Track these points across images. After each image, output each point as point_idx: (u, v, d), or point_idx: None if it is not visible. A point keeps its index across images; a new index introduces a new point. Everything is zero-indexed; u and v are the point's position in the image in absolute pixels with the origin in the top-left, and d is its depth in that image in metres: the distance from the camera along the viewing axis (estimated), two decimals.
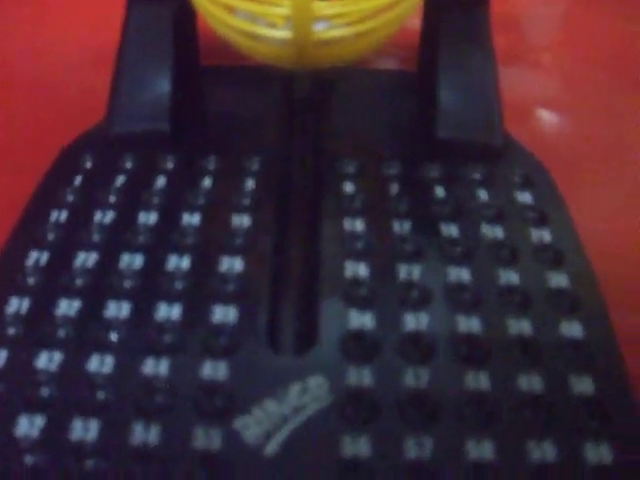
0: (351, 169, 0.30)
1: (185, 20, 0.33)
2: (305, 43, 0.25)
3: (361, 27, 0.26)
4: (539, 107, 0.39)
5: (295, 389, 0.22)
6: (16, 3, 0.47)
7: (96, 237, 0.27)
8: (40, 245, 0.26)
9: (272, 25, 0.27)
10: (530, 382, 0.22)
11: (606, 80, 0.41)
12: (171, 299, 0.24)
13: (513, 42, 0.43)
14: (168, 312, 0.24)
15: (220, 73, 0.36)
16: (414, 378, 0.22)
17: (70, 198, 0.28)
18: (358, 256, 0.26)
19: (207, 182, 0.29)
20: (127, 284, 0.25)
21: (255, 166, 0.30)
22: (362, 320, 0.24)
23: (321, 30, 0.26)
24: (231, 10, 0.27)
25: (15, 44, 0.43)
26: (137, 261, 0.26)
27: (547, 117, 0.39)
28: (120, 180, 0.29)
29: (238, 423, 0.21)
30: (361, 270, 0.26)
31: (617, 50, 0.43)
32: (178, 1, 0.31)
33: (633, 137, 0.37)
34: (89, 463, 0.20)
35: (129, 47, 0.32)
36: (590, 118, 0.38)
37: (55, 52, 0.42)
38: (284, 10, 0.25)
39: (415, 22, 0.35)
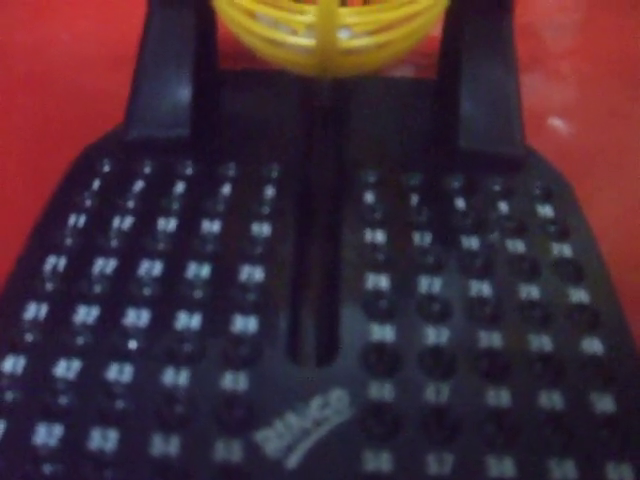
0: (372, 179, 0.30)
1: (206, 24, 0.33)
2: (328, 51, 0.25)
3: (384, 37, 0.26)
4: (557, 116, 0.39)
5: (316, 402, 0.22)
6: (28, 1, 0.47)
7: (114, 243, 0.26)
8: (58, 250, 0.26)
9: (294, 32, 0.26)
10: (551, 399, 0.22)
11: (625, 88, 0.41)
12: (191, 308, 0.24)
13: (531, 50, 0.43)
14: (188, 321, 0.24)
15: (239, 78, 0.36)
16: (435, 393, 0.22)
17: (88, 203, 0.28)
18: (379, 267, 0.26)
19: (226, 189, 0.29)
20: (146, 291, 0.25)
21: (275, 174, 0.30)
22: (383, 333, 0.24)
23: (344, 39, 0.26)
24: (253, 16, 0.26)
25: (28, 44, 0.43)
26: (156, 268, 0.26)
27: (565, 126, 0.38)
28: (139, 185, 0.29)
29: (259, 436, 0.21)
30: (382, 282, 0.25)
31: (637, 58, 0.43)
32: (199, 5, 0.31)
33: None
34: (107, 473, 0.20)
35: (149, 51, 0.32)
36: (608, 126, 0.38)
37: (70, 52, 0.42)
38: (308, 17, 0.25)
39: (433, 29, 0.35)
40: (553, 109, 0.39)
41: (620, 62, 0.43)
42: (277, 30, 0.26)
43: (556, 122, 0.38)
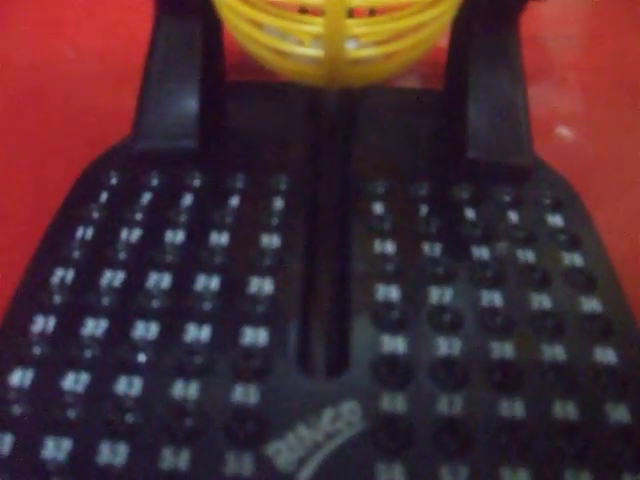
0: (380, 189, 0.30)
1: (212, 35, 0.33)
2: (336, 62, 0.25)
3: (392, 47, 0.26)
4: (564, 126, 0.39)
5: (328, 414, 0.21)
6: (33, 15, 0.47)
7: (122, 255, 0.26)
8: (66, 263, 0.26)
9: (301, 43, 0.26)
10: (565, 409, 0.22)
11: (630, 99, 0.41)
12: (200, 320, 0.24)
13: (538, 61, 0.43)
14: (197, 333, 0.24)
15: (246, 89, 0.36)
16: (448, 405, 0.22)
17: (96, 215, 0.28)
18: (389, 278, 0.26)
19: (235, 201, 0.29)
20: (155, 304, 0.25)
21: (283, 185, 0.30)
22: (394, 344, 0.24)
23: (352, 49, 0.26)
24: (260, 26, 0.26)
25: (33, 60, 0.43)
26: (165, 281, 0.25)
27: (572, 136, 0.38)
28: (146, 197, 0.29)
29: (270, 449, 0.21)
30: (392, 293, 0.25)
31: None
32: (206, 17, 0.31)
33: None
34: None
35: (156, 62, 0.32)
36: (615, 137, 0.38)
37: (75, 68, 0.42)
38: (316, 28, 0.25)
39: (440, 40, 0.35)
40: (560, 119, 0.39)
41: (624, 73, 0.43)
42: (284, 41, 0.26)
43: (563, 131, 0.38)
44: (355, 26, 0.25)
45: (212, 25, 0.31)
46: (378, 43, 0.26)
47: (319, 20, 0.24)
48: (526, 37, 0.33)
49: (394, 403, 0.22)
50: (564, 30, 0.48)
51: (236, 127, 0.34)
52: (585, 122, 0.40)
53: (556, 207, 0.29)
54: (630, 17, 0.49)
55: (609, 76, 0.43)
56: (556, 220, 0.29)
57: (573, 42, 0.47)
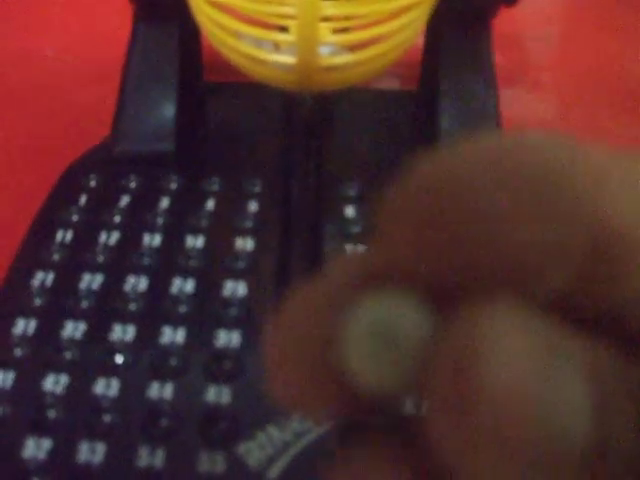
0: (352, 192, 0.30)
1: (189, 39, 0.34)
2: (309, 69, 0.26)
3: (366, 53, 0.27)
4: (537, 127, 0.39)
5: (297, 415, 0.22)
6: (16, 12, 0.47)
7: (101, 258, 0.27)
8: (46, 266, 0.27)
9: (276, 48, 0.27)
10: None
11: (604, 99, 0.41)
12: (175, 323, 0.25)
13: (513, 62, 0.44)
14: (172, 336, 0.24)
15: (224, 90, 0.37)
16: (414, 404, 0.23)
17: (75, 218, 0.29)
18: None
19: (210, 204, 0.29)
20: (132, 307, 0.25)
21: (257, 188, 0.30)
22: None
23: (325, 56, 0.26)
24: (236, 34, 0.27)
25: (11, 58, 0.43)
26: (142, 283, 0.26)
27: None
28: (125, 200, 0.30)
29: (242, 448, 0.22)
30: None
31: (615, 70, 0.44)
32: (183, 20, 0.31)
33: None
34: None
35: (135, 66, 0.32)
36: (587, 136, 0.38)
37: (54, 67, 0.42)
38: (289, 37, 0.25)
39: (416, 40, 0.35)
40: (532, 120, 0.40)
41: (602, 74, 0.44)
42: (259, 47, 0.26)
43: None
44: (328, 35, 0.25)
45: (189, 29, 0.31)
46: (352, 48, 0.27)
47: (293, 28, 0.25)
48: (503, 36, 0.33)
49: None
50: (541, 30, 0.48)
51: (214, 129, 0.35)
52: (558, 123, 0.40)
53: None
54: (607, 18, 0.49)
55: (583, 78, 0.43)
56: None
57: (550, 43, 0.48)
